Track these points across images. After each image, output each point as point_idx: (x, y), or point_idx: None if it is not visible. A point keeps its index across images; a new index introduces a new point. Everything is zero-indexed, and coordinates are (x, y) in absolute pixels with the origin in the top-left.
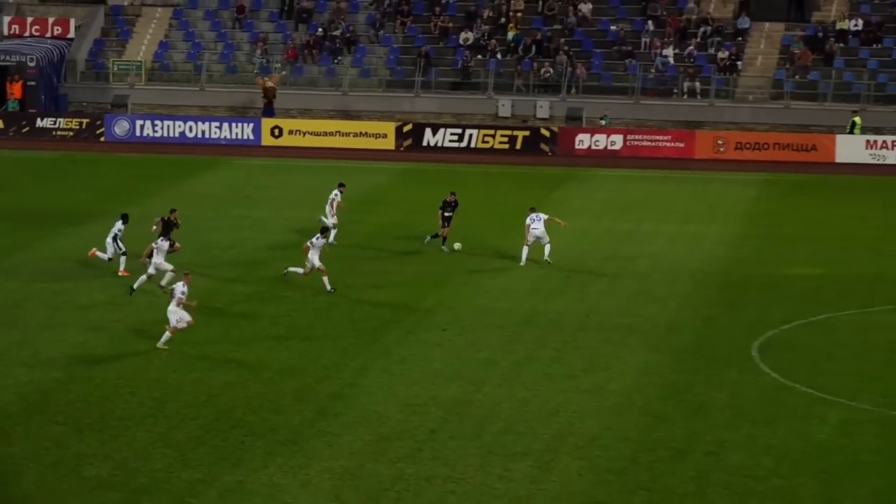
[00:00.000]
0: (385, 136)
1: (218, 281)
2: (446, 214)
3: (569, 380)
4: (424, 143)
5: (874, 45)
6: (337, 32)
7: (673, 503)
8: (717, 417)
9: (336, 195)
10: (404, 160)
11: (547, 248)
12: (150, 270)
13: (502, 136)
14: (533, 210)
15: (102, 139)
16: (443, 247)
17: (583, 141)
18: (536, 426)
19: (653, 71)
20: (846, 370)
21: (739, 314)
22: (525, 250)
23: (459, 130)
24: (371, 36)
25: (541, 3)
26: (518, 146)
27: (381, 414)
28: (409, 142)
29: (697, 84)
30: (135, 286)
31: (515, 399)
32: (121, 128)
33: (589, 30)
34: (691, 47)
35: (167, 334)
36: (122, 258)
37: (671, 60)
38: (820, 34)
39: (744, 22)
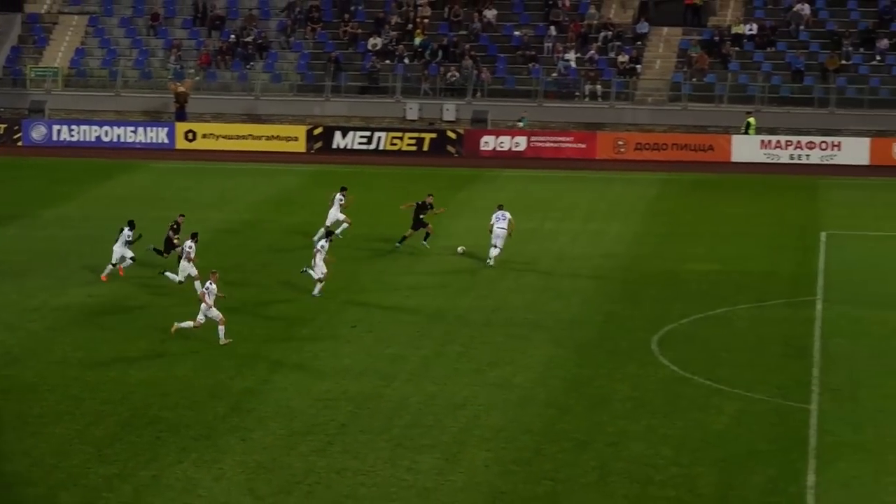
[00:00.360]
0: (296, 139)
1: (135, 282)
2: (420, 216)
3: (475, 374)
4: (334, 146)
5: (768, 49)
6: (249, 39)
7: (575, 493)
8: (619, 409)
9: (341, 198)
10: (315, 162)
11: (494, 252)
12: (180, 277)
13: (410, 138)
14: (500, 208)
15: (20, 143)
16: (424, 242)
17: (488, 143)
18: (444, 419)
19: (555, 74)
20: (742, 362)
21: (639, 309)
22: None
23: (368, 133)
24: (282, 42)
25: (447, 9)
26: (425, 148)
27: (293, 409)
28: (319, 144)
29: (598, 87)
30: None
31: (424, 393)
32: (38, 132)
33: (493, 35)
34: (592, 51)
35: (221, 328)
36: (110, 267)
37: (573, 64)
38: (716, 38)
39: (643, 27)
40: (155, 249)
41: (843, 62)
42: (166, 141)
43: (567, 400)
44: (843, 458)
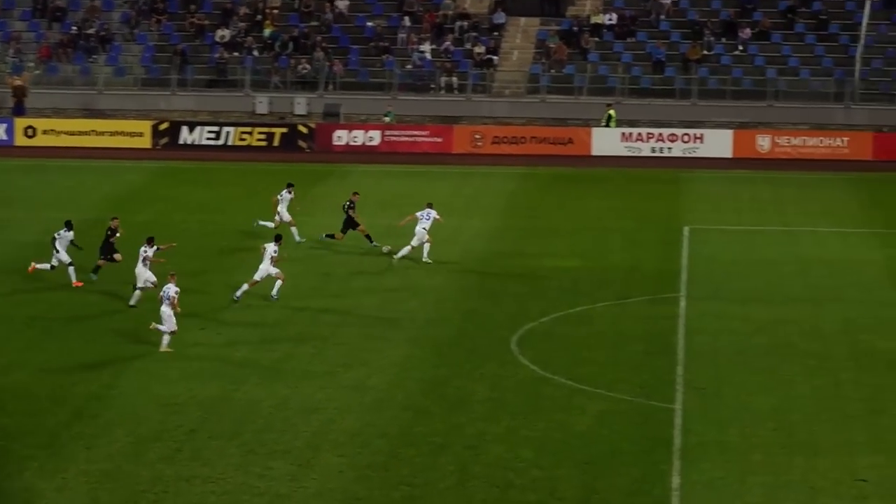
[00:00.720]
0: (141, 134)
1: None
2: (350, 214)
3: (329, 376)
4: (181, 142)
5: (628, 39)
6: (91, 31)
7: (433, 498)
8: (478, 410)
9: (284, 196)
10: (161, 159)
11: (404, 250)
12: (140, 283)
13: (260, 133)
14: (430, 206)
15: None
16: (373, 243)
17: (341, 137)
18: (297, 423)
19: (410, 67)
20: (604, 361)
21: (499, 307)
22: (416, 249)
23: (217, 128)
24: (126, 34)
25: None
26: (276, 143)
27: (139, 414)
28: (165, 140)
29: (454, 79)
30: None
31: (276, 397)
32: None
33: (345, 26)
34: (448, 43)
35: (166, 337)
36: (71, 269)
37: (428, 56)
38: (575, 28)
39: (499, 17)
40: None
41: (705, 52)
42: (5, 137)
43: (424, 402)
44: (707, 458)
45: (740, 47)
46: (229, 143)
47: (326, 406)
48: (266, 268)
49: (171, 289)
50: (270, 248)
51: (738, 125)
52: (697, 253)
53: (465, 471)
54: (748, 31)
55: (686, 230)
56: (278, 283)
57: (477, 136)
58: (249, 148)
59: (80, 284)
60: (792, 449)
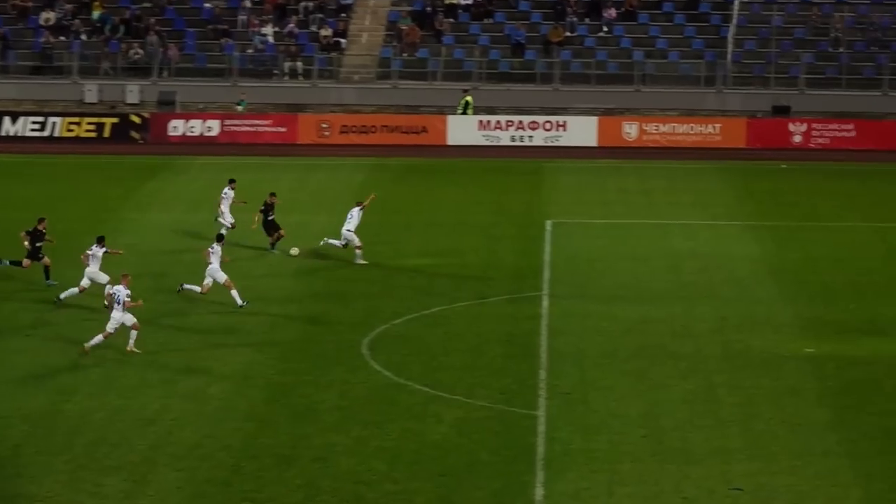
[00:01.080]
0: None
1: None
2: (269, 218)
3: (165, 385)
4: (3, 133)
5: (485, 20)
6: None
7: None
8: (326, 420)
9: (228, 193)
10: None
11: (334, 244)
12: (84, 283)
13: (89, 123)
14: (357, 205)
15: None
16: (272, 249)
17: (177, 127)
18: (131, 436)
19: (251, 51)
20: (462, 365)
21: (348, 308)
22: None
23: (42, 118)
24: None
25: None
26: (106, 134)
27: None
28: None
29: (299, 64)
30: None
31: (108, 408)
32: None
33: (181, 7)
34: (292, 25)
35: (99, 337)
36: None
37: (271, 39)
38: (428, 9)
39: None
40: (11, 263)
41: (568, 34)
42: None
43: (268, 411)
44: (573, 467)
45: (605, 28)
46: (55, 134)
47: (163, 417)
48: (215, 269)
49: (122, 291)
50: (216, 249)
51: (604, 112)
52: (561, 248)
53: (313, 485)
54: (613, 11)
55: (548, 224)
56: (233, 292)
57: (324, 125)
58: (77, 140)
59: None
60: (663, 457)
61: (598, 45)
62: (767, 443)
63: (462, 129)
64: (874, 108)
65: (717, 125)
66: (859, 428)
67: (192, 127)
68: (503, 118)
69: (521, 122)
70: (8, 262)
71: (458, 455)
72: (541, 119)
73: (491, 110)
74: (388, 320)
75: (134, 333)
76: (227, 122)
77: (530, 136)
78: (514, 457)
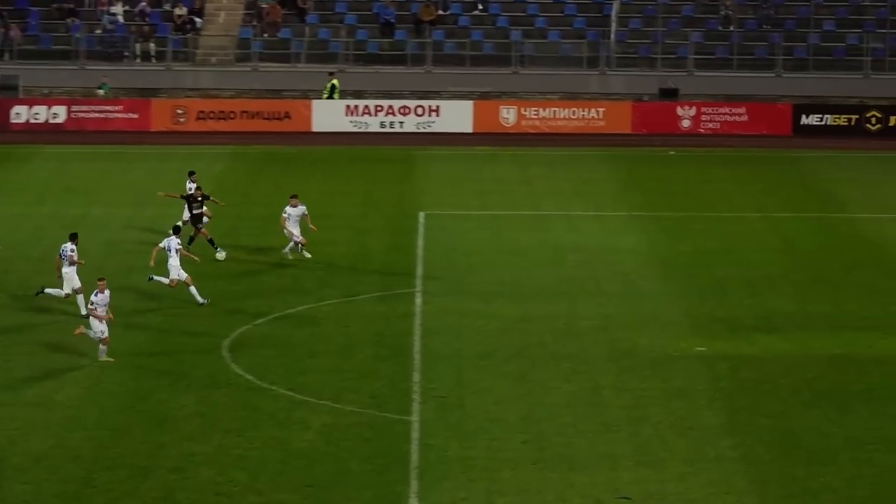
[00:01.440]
0: None
1: None
2: (195, 212)
3: (9, 391)
4: None
5: None
6: None
7: None
8: (184, 428)
9: (191, 187)
10: None
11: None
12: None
13: None
14: (293, 197)
15: None
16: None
17: (20, 114)
18: None
19: (100, 31)
20: (330, 368)
21: (208, 308)
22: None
23: None
24: None
25: None
26: None
27: None
28: None
29: (152, 45)
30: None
31: None
32: None
33: None
34: (143, 3)
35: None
36: None
37: (121, 19)
38: None
39: None
40: None
41: (440, 13)
42: None
43: (122, 419)
44: (449, 476)
45: (480, 6)
46: None
47: (7, 426)
48: (175, 264)
49: (101, 296)
50: (173, 242)
51: (479, 96)
52: (435, 242)
53: (170, 497)
54: None
55: (422, 216)
56: (191, 288)
57: (179, 111)
58: None
59: None
60: (545, 464)
61: (473, 25)
62: (656, 448)
63: (328, 115)
64: (767, 91)
65: (601, 109)
66: (753, 431)
67: (37, 113)
68: (372, 103)
69: (391, 107)
70: None
71: (326, 464)
72: (412, 104)
73: (359, 94)
74: (250, 320)
75: (103, 347)
76: (75, 108)
77: (401, 122)
78: (387, 465)
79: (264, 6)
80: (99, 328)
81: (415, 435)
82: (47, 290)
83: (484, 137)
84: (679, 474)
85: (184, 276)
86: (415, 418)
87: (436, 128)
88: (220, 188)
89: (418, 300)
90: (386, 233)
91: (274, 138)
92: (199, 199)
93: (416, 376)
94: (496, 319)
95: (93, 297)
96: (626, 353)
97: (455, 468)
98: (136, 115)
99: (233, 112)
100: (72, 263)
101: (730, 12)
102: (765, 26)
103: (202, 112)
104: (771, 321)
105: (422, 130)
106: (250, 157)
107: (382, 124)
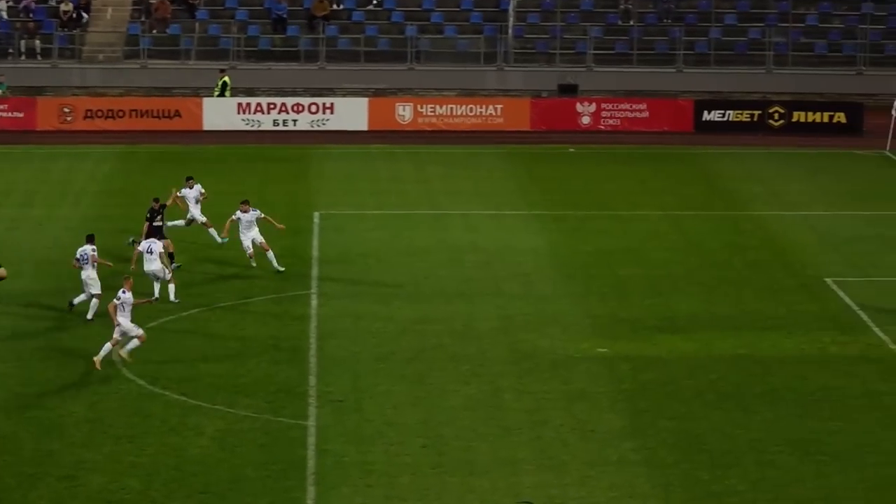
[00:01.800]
0: None
1: None
2: (155, 224)
3: None
4: None
5: None
6: None
7: None
8: (74, 435)
9: (185, 192)
10: None
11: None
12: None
13: None
14: (244, 203)
15: None
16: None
17: None
18: None
19: None
20: (224, 372)
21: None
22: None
23: None
24: None
25: None
26: None
27: None
28: None
29: (37, 42)
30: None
31: None
32: None
33: None
34: None
35: (108, 346)
36: None
37: (4, 15)
38: None
39: None
40: None
41: (334, 8)
42: None
43: (9, 426)
44: (347, 482)
45: (375, 1)
46: None
47: None
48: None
49: (125, 297)
50: (157, 246)
51: (375, 92)
52: (330, 242)
53: None
54: None
55: (316, 216)
56: (171, 286)
57: (66, 110)
58: None
59: None
60: (445, 468)
61: (368, 20)
62: (558, 452)
63: (219, 113)
64: (668, 87)
65: (499, 106)
66: (656, 434)
67: None
68: (264, 100)
69: (284, 104)
70: None
71: (220, 470)
72: (306, 101)
73: (251, 92)
74: (141, 324)
75: (134, 343)
76: None
77: (294, 120)
78: (283, 471)
79: (153, 2)
80: (130, 326)
81: (311, 440)
82: (76, 300)
83: (380, 135)
84: (581, 478)
85: (167, 274)
86: (311, 423)
87: (330, 126)
88: (108, 189)
89: (314, 302)
90: (280, 234)
91: (164, 137)
92: (159, 210)
93: (313, 380)
94: (393, 321)
95: (121, 295)
96: (527, 355)
97: (353, 473)
98: (21, 115)
99: (121, 110)
100: (94, 265)
101: (629, 7)
102: (665, 21)
103: (90, 111)
104: (674, 322)
105: (316, 128)
106: (140, 157)
107: (275, 122)
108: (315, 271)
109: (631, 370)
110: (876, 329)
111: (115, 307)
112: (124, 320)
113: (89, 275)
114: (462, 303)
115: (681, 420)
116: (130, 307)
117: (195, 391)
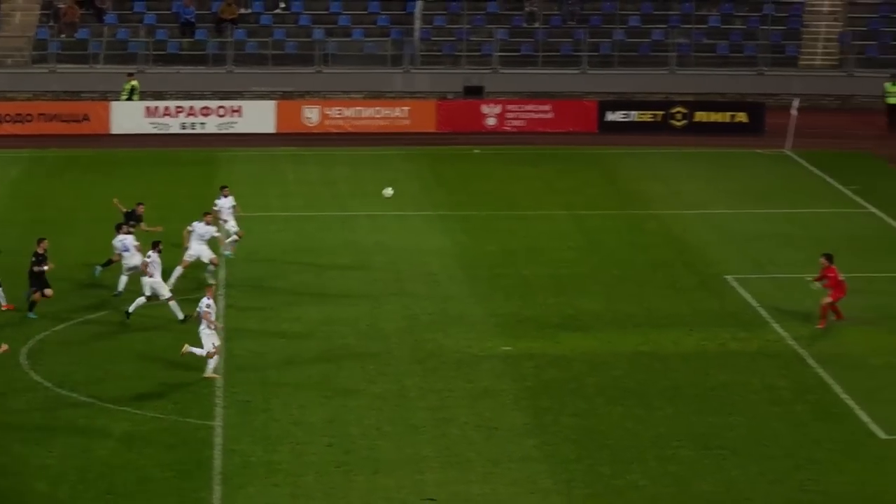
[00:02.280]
0: None
1: None
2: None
3: None
4: None
5: None
6: None
7: None
8: None
9: (222, 204)
10: None
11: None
12: (147, 291)
13: None
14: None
15: None
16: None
17: None
18: None
19: None
20: (131, 374)
21: (4, 314)
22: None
23: None
24: None
25: None
26: None
27: None
28: None
29: None
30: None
31: None
32: None
33: None
34: None
35: (212, 361)
36: None
37: None
38: None
39: None
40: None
41: (242, 11)
42: None
43: None
44: (253, 481)
45: (282, 5)
46: None
47: None
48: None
49: (204, 303)
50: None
51: (282, 95)
52: (237, 244)
53: None
54: None
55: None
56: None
57: None
58: None
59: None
60: (350, 467)
61: (275, 24)
62: (462, 449)
63: (127, 117)
64: (572, 88)
65: (406, 108)
66: (559, 431)
67: None
68: (172, 104)
69: (191, 107)
70: None
71: (127, 472)
72: (213, 104)
73: (159, 95)
74: (48, 326)
75: (209, 357)
76: None
77: (202, 123)
78: (189, 472)
79: (61, 6)
80: (212, 340)
81: (218, 440)
82: (137, 303)
83: (287, 138)
84: (484, 475)
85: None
86: (218, 423)
87: (238, 128)
88: (16, 193)
89: (221, 304)
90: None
91: (72, 141)
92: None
93: (220, 381)
94: (300, 322)
95: (207, 301)
96: (432, 353)
97: (259, 473)
98: None
99: (29, 114)
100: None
101: (534, 9)
102: (570, 23)
103: None
104: (577, 320)
105: (223, 131)
106: (48, 161)
107: (183, 125)
108: (222, 273)
109: (534, 368)
110: (775, 325)
111: (208, 314)
112: (206, 332)
113: (155, 284)
114: (368, 303)
115: (583, 417)
116: (214, 314)
117: (102, 393)
